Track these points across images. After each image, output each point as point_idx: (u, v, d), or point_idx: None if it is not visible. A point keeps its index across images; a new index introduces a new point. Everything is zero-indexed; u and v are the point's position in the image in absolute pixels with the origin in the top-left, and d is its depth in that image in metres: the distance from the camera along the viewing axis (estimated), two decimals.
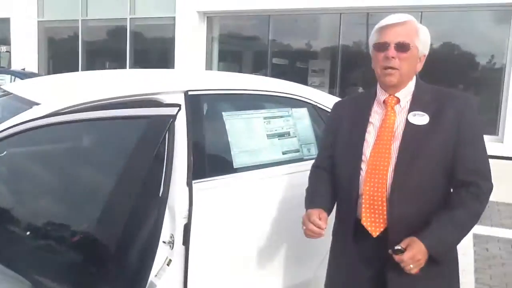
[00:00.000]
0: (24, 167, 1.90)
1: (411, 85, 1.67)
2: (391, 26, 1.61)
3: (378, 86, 1.73)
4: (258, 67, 11.91)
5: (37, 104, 1.85)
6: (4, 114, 2.04)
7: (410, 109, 1.64)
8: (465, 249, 4.17)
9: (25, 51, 14.25)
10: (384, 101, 1.68)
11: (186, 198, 2.05)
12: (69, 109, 1.80)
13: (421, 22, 1.71)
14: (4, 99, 2.27)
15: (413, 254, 1.46)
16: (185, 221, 2.05)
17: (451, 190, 1.63)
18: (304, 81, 9.52)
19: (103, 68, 13.36)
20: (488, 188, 1.58)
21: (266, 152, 2.40)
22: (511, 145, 7.49)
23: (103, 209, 1.86)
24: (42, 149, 1.94)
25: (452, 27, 9.19)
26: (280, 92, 2.57)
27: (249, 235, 2.28)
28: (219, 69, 12.52)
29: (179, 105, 2.01)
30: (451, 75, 9.27)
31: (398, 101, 1.66)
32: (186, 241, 2.07)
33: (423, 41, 1.64)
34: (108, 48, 14.22)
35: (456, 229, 1.55)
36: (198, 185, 2.09)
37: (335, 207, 1.85)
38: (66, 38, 14.65)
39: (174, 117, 1.97)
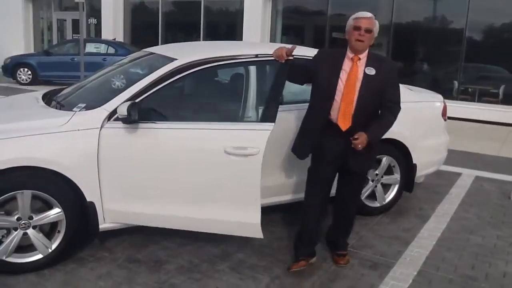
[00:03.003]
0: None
1: (366, 52, 3.00)
2: (363, 18, 2.95)
3: (349, 49, 3.00)
4: (318, 40, 13.03)
5: (176, 59, 3.35)
6: (155, 65, 3.56)
7: (366, 65, 2.97)
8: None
9: (113, 23, 16.15)
10: (352, 58, 2.97)
11: None
12: (199, 61, 3.29)
13: None
14: (150, 57, 3.83)
15: (361, 140, 2.89)
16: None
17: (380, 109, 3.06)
18: None
19: (182, 39, 15.02)
20: (399, 109, 3.06)
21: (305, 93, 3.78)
22: None
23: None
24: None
25: None
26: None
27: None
28: (282, 42, 13.75)
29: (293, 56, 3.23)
30: None
31: (359, 59, 2.97)
32: None
33: (376, 29, 2.99)
34: (184, 21, 15.83)
35: (381, 129, 3.05)
36: None
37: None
38: (148, 12, 16.40)
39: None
